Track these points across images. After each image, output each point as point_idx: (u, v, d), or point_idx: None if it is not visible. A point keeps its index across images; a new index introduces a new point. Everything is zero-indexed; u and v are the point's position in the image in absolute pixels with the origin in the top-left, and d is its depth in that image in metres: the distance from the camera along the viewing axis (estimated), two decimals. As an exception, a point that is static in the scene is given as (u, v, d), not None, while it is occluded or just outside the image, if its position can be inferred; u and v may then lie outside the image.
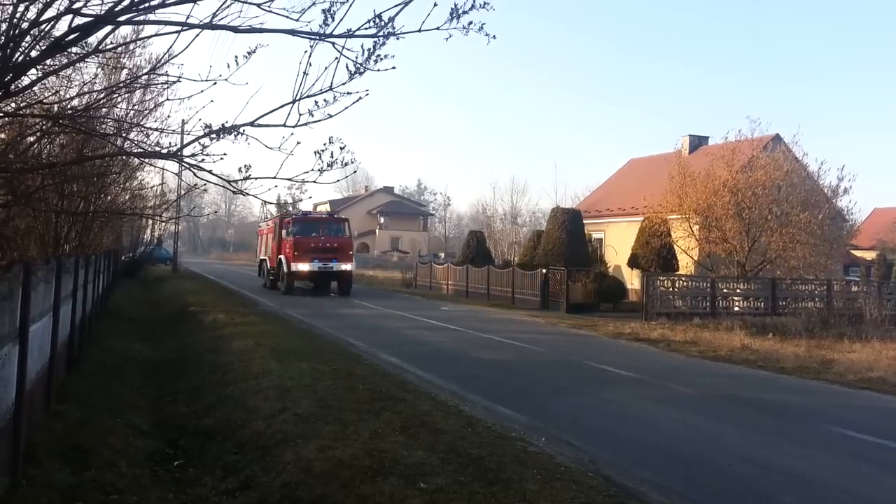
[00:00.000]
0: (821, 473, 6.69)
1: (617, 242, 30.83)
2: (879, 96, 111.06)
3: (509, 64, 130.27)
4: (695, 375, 12.31)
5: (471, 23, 5.38)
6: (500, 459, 6.10)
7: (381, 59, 5.62)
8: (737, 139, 25.78)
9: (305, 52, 5.57)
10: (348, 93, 5.76)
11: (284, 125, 6.00)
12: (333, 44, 5.58)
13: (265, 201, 7.45)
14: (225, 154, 6.19)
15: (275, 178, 6.67)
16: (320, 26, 5.44)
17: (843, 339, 17.25)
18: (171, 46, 7.13)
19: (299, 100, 5.85)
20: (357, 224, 71.04)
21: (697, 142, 35.00)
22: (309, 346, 12.64)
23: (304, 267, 26.85)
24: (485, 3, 5.28)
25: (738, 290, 23.74)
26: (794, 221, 23.58)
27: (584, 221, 28.81)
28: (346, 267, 27.64)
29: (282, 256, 28.04)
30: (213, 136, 6.15)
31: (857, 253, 41.92)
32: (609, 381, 11.44)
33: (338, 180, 7.04)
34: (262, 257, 34.18)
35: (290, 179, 6.59)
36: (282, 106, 5.93)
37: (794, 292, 24.14)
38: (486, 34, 5.49)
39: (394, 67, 5.61)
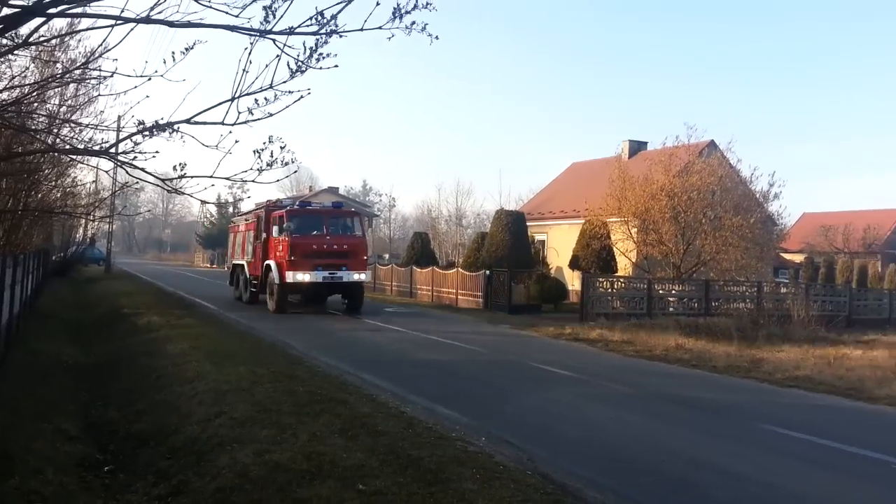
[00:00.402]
0: (750, 469, 6.92)
1: (559, 244, 31.32)
2: (811, 107, 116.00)
3: (454, 68, 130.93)
4: (631, 374, 12.60)
5: (413, 23, 5.38)
6: (439, 460, 6.12)
7: (324, 58, 5.57)
8: (674, 145, 26.60)
9: (246, 49, 5.48)
10: (290, 91, 5.69)
11: (223, 123, 5.88)
12: (274, 41, 5.51)
13: (202, 201, 7.32)
14: (157, 152, 6.04)
15: (211, 176, 6.53)
16: (261, 23, 5.37)
17: (771, 338, 17.94)
18: (104, 40, 6.91)
19: (238, 97, 5.75)
20: (300, 224, 70.05)
21: (637, 147, 35.93)
22: (247, 349, 12.41)
23: (303, 277, 19.94)
24: (427, 4, 5.29)
25: (673, 292, 24.43)
26: (727, 225, 24.43)
27: (528, 224, 29.16)
28: (360, 276, 21.02)
29: (270, 262, 20.95)
30: (147, 133, 6.00)
31: (787, 256, 43.64)
32: (549, 380, 11.61)
33: (278, 180, 6.96)
34: (236, 262, 25.91)
35: (227, 178, 6.47)
36: (220, 103, 5.82)
37: (727, 293, 24.98)
38: (429, 35, 5.50)
39: (336, 66, 5.57)
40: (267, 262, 21.35)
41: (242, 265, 24.55)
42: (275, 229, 21.27)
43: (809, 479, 6.76)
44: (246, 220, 25.82)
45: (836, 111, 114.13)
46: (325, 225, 21.17)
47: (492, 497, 5.31)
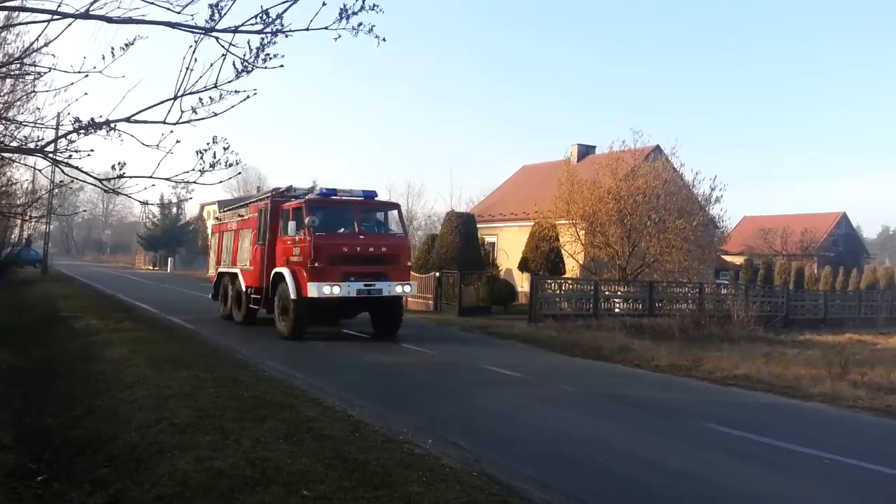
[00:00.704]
0: (691, 466, 7.09)
1: (509, 246, 31.57)
2: (752, 116, 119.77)
3: (407, 68, 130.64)
4: (577, 375, 12.78)
5: (360, 24, 5.37)
6: (385, 463, 6.08)
7: (271, 58, 5.51)
8: (621, 149, 27.08)
9: (190, 47, 5.38)
10: (235, 91, 5.61)
11: (164, 122, 5.75)
12: (218, 39, 5.42)
13: (141, 202, 7.13)
14: (92, 150, 5.87)
15: (151, 177, 6.38)
16: (206, 21, 5.28)
17: (712, 338, 18.44)
18: (40, 34, 6.66)
19: (182, 96, 5.63)
20: (247, 225, 68.82)
21: (585, 150, 36.57)
22: (190, 353, 12.09)
23: (331, 290, 14.95)
24: (374, 6, 5.27)
25: (618, 293, 24.85)
26: (671, 228, 25.02)
27: (478, 226, 29.31)
28: (404, 289, 16.15)
29: (283, 270, 15.92)
30: (83, 130, 5.82)
31: (727, 258, 44.90)
32: (497, 382, 11.68)
33: (221, 181, 6.81)
34: (224, 269, 20.35)
35: (168, 179, 6.32)
36: (162, 102, 5.69)
37: (670, 294, 25.52)
38: (377, 36, 5.49)
39: (282, 66, 5.51)
40: (277, 269, 16.34)
41: (235, 274, 19.01)
42: (290, 226, 15.91)
43: (748, 475, 6.96)
44: (240, 215, 20.00)
45: (777, 120, 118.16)
46: (355, 220, 16.02)
47: (437, 499, 5.31)
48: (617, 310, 23.95)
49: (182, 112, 5.68)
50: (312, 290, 14.89)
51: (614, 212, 25.16)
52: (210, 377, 9.36)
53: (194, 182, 6.29)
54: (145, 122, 5.81)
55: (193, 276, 48.44)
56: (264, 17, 5.27)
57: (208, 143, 5.98)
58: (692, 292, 25.85)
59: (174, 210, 66.62)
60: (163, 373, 9.55)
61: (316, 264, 14.94)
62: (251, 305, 17.93)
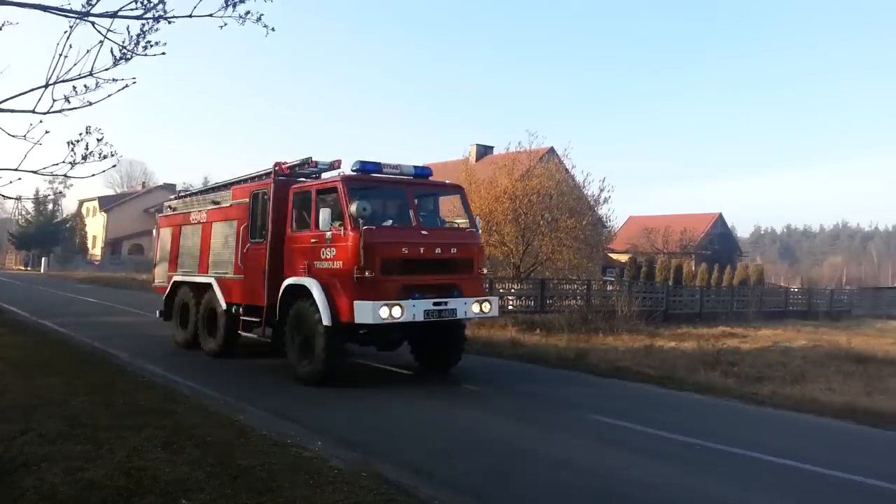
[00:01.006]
0: (572, 455, 7.37)
1: (404, 245, 31.52)
2: (638, 121, 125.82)
3: (305, 61, 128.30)
4: (470, 371, 12.96)
5: (248, 12, 5.26)
6: (271, 468, 5.96)
7: (152, 45, 5.30)
8: (517, 150, 27.70)
9: (65, 32, 5.12)
10: (113, 80, 5.35)
11: (34, 111, 5.42)
12: (94, 24, 5.17)
13: (11, 198, 6.65)
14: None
15: (17, 169, 5.98)
16: (82, 5, 5.03)
17: (598, 332, 19.22)
18: None
19: (54, 84, 5.32)
20: (132, 223, 65.63)
21: (484, 151, 37.29)
22: (62, 358, 11.38)
23: (390, 312, 10.01)
24: (263, -7, 5.15)
25: (512, 290, 25.37)
26: (563, 227, 25.83)
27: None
28: (482, 308, 11.18)
29: (307, 282, 10.80)
30: (-64, 119, 5.39)
31: (614, 256, 47.02)
32: (390, 380, 11.70)
33: (94, 174, 6.50)
34: (186, 278, 14.64)
35: (35, 172, 5.96)
36: (32, 90, 5.36)
37: (560, 291, 26.28)
38: (265, 26, 5.39)
39: (164, 53, 5.33)
40: (293, 280, 11.17)
41: (207, 284, 13.63)
42: (322, 215, 10.56)
43: (627, 462, 7.26)
44: (215, 202, 14.01)
45: (660, 126, 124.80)
46: (411, 208, 11.30)
47: (324, 501, 5.26)
48: (510, 307, 24.43)
49: (54, 101, 5.40)
50: (362, 312, 9.99)
51: (510, 211, 25.70)
52: (83, 384, 8.87)
53: (65, 175, 5.99)
54: (12, 111, 5.48)
55: (69, 276, 45.60)
56: (145, 1, 5.08)
57: (80, 134, 5.71)
58: (581, 289, 26.73)
59: (49, 206, 62.39)
60: (31, 380, 8.96)
61: (366, 273, 10.12)
62: (239, 331, 12.82)
